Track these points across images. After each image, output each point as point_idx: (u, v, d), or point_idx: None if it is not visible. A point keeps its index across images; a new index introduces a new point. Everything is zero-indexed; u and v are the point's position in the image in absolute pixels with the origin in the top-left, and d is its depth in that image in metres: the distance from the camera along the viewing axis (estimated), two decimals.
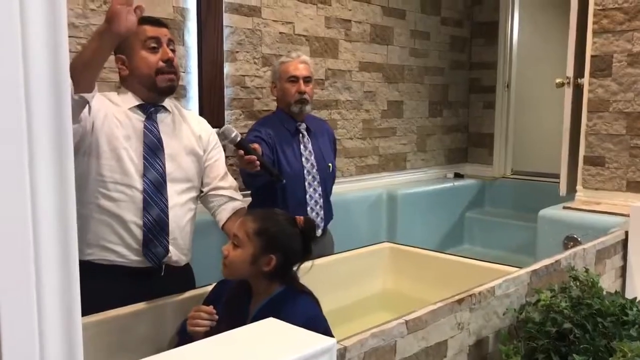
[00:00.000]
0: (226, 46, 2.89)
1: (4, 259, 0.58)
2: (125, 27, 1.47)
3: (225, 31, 2.88)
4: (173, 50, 1.83)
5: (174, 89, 1.85)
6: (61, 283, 0.63)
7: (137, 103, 1.81)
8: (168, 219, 1.78)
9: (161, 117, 1.84)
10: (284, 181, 2.23)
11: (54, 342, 0.64)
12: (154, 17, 1.90)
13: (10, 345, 0.60)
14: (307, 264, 1.69)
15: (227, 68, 2.91)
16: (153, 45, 1.78)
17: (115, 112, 1.77)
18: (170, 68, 1.80)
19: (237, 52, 2.95)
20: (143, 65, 1.79)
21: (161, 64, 1.78)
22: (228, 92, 2.92)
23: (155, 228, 1.76)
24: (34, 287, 0.61)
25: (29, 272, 0.60)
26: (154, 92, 1.81)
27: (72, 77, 1.47)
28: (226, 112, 2.89)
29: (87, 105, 1.60)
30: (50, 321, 0.63)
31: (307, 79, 2.58)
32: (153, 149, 1.78)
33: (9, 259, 0.59)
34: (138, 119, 1.79)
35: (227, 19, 2.88)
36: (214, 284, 1.78)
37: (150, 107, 1.82)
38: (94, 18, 2.39)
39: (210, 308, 1.53)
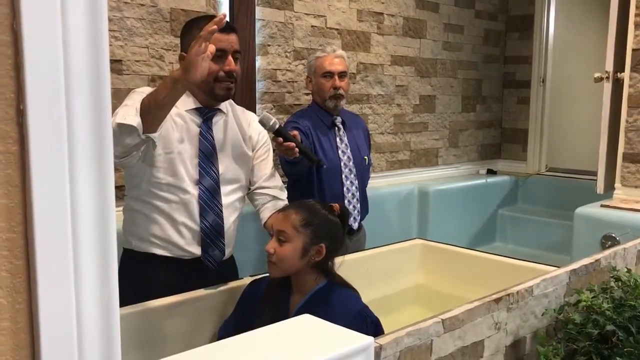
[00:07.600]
0: (258, 40, 2.87)
1: (44, 254, 0.58)
2: (200, 74, 1.49)
3: (257, 24, 2.87)
4: (237, 59, 1.83)
5: (230, 97, 1.86)
6: (99, 276, 0.62)
7: (194, 106, 1.82)
8: (223, 222, 1.81)
9: (215, 119, 1.86)
10: (325, 166, 2.22)
11: (92, 335, 0.63)
12: (226, 22, 1.89)
13: (49, 336, 0.60)
14: (338, 259, 1.68)
15: (259, 62, 2.90)
16: (218, 55, 1.76)
17: (172, 112, 1.76)
18: (230, 78, 1.80)
19: (269, 45, 2.94)
20: None
21: (222, 73, 1.78)
22: (259, 86, 2.91)
23: (213, 232, 1.79)
24: (72, 280, 0.60)
25: (67, 266, 0.59)
26: (211, 98, 1.82)
27: (141, 117, 1.50)
28: (257, 106, 2.88)
29: (152, 141, 1.62)
30: (88, 313, 0.62)
31: (342, 74, 2.57)
32: (208, 156, 1.80)
33: (48, 253, 0.58)
34: (194, 121, 1.81)
35: (259, 12, 2.87)
36: (247, 284, 1.78)
37: (206, 111, 1.83)
38: (127, 11, 2.40)
39: None
